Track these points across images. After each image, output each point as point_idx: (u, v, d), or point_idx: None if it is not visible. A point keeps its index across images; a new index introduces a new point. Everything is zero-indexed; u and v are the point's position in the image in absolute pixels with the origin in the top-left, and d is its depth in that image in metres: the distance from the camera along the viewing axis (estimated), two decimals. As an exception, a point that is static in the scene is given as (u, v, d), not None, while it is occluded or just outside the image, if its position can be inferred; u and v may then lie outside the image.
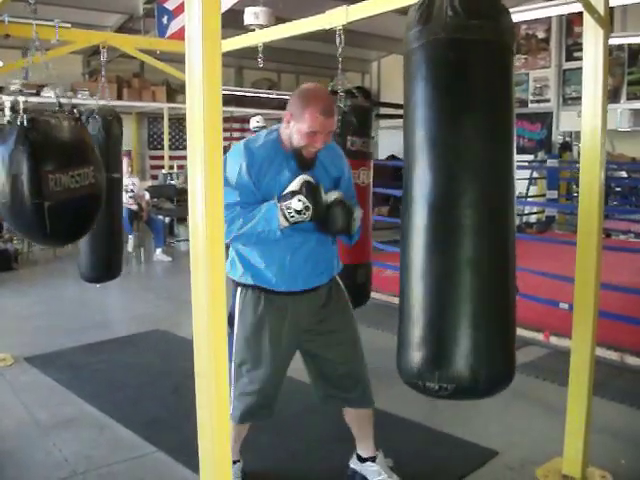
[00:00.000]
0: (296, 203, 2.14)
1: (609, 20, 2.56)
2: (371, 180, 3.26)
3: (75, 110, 3.18)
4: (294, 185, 2.19)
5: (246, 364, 2.38)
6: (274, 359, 2.39)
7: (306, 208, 2.15)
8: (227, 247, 2.28)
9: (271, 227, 2.18)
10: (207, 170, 1.33)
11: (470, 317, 1.78)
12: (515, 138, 1.89)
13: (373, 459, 2.70)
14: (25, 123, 2.84)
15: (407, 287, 1.87)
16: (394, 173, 11.60)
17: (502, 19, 1.81)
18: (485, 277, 1.79)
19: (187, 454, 2.89)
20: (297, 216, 2.16)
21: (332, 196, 2.27)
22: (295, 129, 2.22)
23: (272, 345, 2.36)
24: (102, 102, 3.91)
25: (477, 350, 1.80)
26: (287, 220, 2.16)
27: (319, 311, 2.44)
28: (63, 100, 3.26)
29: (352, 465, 2.77)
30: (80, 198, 3.03)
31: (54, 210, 2.89)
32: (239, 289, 2.39)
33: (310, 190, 2.17)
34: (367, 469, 2.70)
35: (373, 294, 5.78)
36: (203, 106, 1.31)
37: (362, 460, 2.72)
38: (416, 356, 1.85)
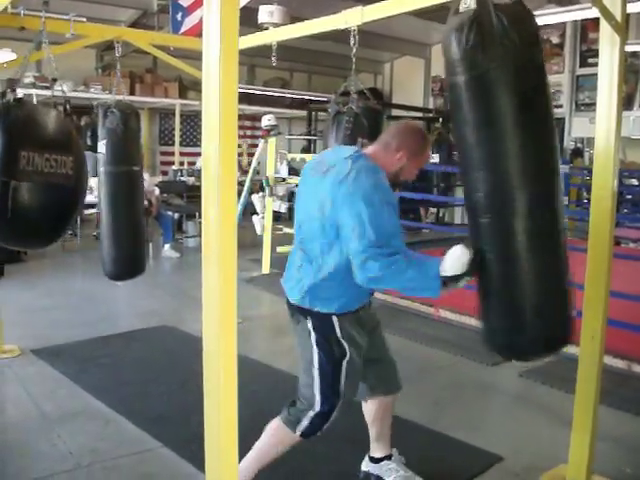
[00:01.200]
0: (463, 284, 2.14)
1: (626, 27, 2.55)
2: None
3: (68, 106, 3.14)
4: (464, 266, 2.10)
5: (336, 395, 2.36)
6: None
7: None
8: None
9: (428, 293, 2.15)
10: (222, 167, 1.33)
11: None
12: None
13: (389, 457, 2.71)
14: (11, 101, 2.81)
15: None
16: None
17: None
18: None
19: (192, 450, 2.91)
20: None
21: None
22: (411, 165, 2.35)
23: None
24: (118, 97, 3.92)
25: None
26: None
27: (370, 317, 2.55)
28: (74, 94, 3.27)
29: (365, 468, 2.77)
30: (52, 186, 2.86)
31: (21, 192, 2.73)
32: (335, 319, 2.34)
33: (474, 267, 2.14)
34: (383, 468, 2.71)
35: (380, 296, 5.81)
36: (219, 103, 1.31)
37: (377, 460, 2.73)
38: None
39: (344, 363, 2.32)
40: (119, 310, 6.09)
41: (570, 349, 4.30)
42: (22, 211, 2.77)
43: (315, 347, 2.32)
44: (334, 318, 2.32)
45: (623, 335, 4.25)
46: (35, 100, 7.86)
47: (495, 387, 4.10)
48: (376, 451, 2.73)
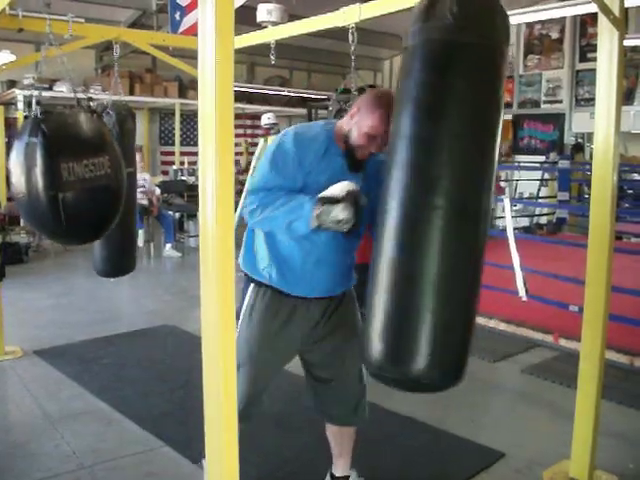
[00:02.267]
0: (340, 212, 1.98)
1: (624, 21, 2.55)
2: None
3: (91, 103, 3.18)
4: (338, 190, 2.00)
5: (243, 365, 2.24)
6: (267, 362, 2.33)
7: (347, 221, 1.99)
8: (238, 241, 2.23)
9: (301, 223, 2.03)
10: (218, 166, 1.33)
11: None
12: (498, 142, 1.84)
13: (346, 478, 2.62)
14: (39, 115, 2.86)
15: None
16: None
17: (497, 22, 1.79)
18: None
19: (194, 449, 2.91)
20: (333, 225, 2.01)
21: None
22: (357, 125, 2.13)
23: (272, 348, 2.31)
24: (115, 97, 3.92)
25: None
26: (320, 223, 2.02)
27: (325, 321, 2.34)
28: (78, 95, 3.28)
29: None
30: (96, 189, 2.98)
31: (69, 202, 2.85)
32: (253, 286, 2.31)
33: (355, 201, 2.00)
34: None
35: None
36: (215, 102, 1.31)
37: (335, 479, 2.64)
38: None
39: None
40: (121, 310, 6.09)
41: (573, 345, 4.34)
42: (74, 218, 2.91)
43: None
44: (251, 285, 2.31)
45: (626, 330, 4.25)
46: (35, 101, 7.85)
47: (497, 384, 4.10)
48: (337, 469, 2.63)
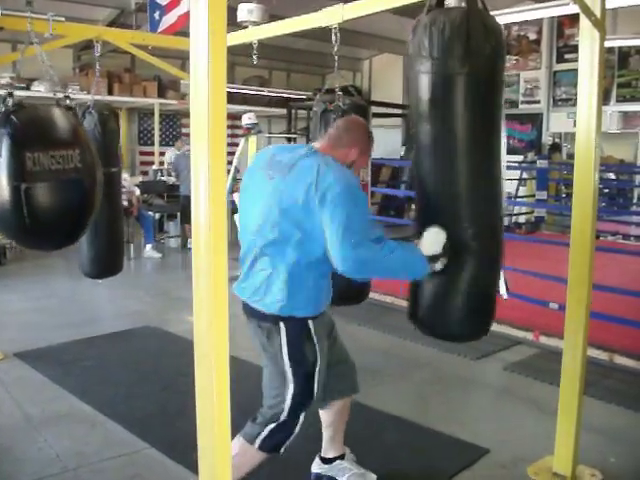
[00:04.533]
0: (440, 266, 2.18)
1: (605, 23, 2.58)
2: (369, 178, 3.30)
3: (68, 100, 3.13)
4: (440, 246, 2.17)
5: (311, 398, 2.31)
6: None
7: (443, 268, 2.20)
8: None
9: (412, 275, 2.26)
10: (211, 167, 1.33)
11: None
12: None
13: (342, 456, 2.69)
14: (10, 107, 2.80)
15: None
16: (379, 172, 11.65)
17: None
18: None
19: (179, 450, 2.90)
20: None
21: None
22: (360, 160, 2.40)
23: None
24: (96, 97, 3.89)
25: None
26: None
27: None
28: (56, 93, 3.24)
29: (316, 470, 2.73)
30: (64, 183, 2.83)
31: (33, 194, 2.71)
32: (311, 323, 2.28)
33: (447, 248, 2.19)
34: (336, 468, 2.68)
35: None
36: (208, 103, 1.31)
37: (329, 461, 2.69)
38: None
39: (317, 369, 2.28)
40: (102, 311, 6.04)
41: (554, 342, 4.39)
42: (39, 213, 2.75)
43: (287, 355, 2.24)
44: (310, 322, 2.26)
45: (605, 327, 4.31)
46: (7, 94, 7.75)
47: (480, 381, 4.13)
48: (329, 452, 2.69)
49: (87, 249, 3.91)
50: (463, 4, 2.10)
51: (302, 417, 2.30)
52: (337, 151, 2.30)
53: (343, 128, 2.37)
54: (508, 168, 10.29)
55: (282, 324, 2.22)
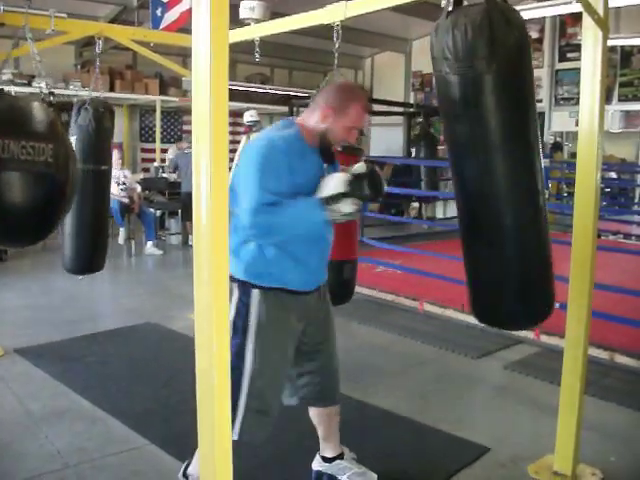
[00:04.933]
0: (347, 207, 2.10)
1: (608, 21, 2.58)
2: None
3: (52, 97, 3.08)
4: (339, 185, 2.10)
5: (262, 378, 2.24)
6: (284, 370, 2.34)
7: (357, 210, 2.12)
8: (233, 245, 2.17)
9: (316, 226, 2.16)
10: (213, 164, 1.33)
11: None
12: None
13: (341, 456, 2.67)
14: None
15: None
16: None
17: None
18: None
19: (179, 446, 2.91)
20: (343, 217, 2.14)
21: (361, 169, 2.20)
22: (338, 124, 2.20)
23: (286, 355, 2.31)
24: (97, 94, 3.89)
25: None
26: (332, 219, 2.16)
27: (317, 308, 2.42)
28: (58, 91, 3.23)
29: (317, 467, 2.72)
30: (32, 175, 2.73)
31: None
32: (256, 292, 2.24)
33: (358, 187, 2.11)
34: (336, 467, 2.67)
35: (366, 291, 5.83)
36: (210, 100, 1.31)
37: (329, 460, 2.68)
38: None
39: (248, 345, 2.20)
40: (102, 308, 6.05)
41: (555, 340, 4.39)
42: (2, 203, 2.65)
43: (232, 323, 2.20)
44: (254, 291, 2.21)
45: (606, 326, 4.31)
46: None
47: (481, 379, 4.13)
48: (327, 451, 2.68)
49: (69, 244, 3.89)
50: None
51: (254, 405, 2.21)
52: (311, 117, 2.25)
53: (320, 92, 2.31)
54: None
55: (233, 285, 2.21)
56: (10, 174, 2.66)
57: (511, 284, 2.27)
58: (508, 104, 2.09)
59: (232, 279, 2.16)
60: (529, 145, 2.15)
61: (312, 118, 2.26)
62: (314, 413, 2.61)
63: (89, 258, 4.02)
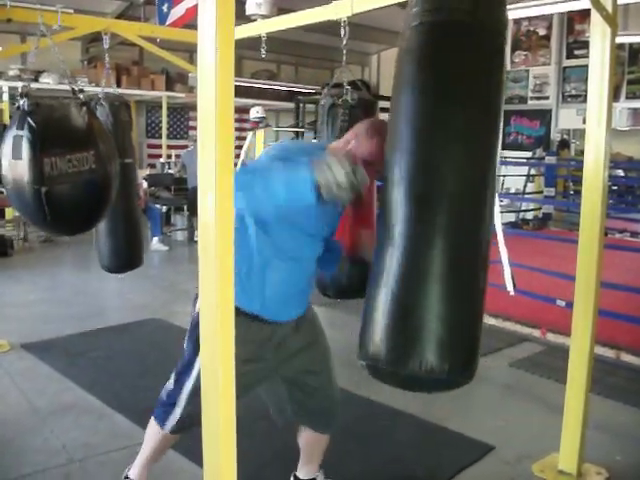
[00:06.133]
0: (341, 175, 1.76)
1: (616, 18, 2.56)
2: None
3: (81, 96, 3.14)
4: (334, 173, 1.77)
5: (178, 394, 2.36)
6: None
7: (351, 186, 1.77)
8: None
9: (305, 195, 1.79)
10: (219, 161, 1.33)
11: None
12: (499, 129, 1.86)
13: None
14: (26, 108, 2.83)
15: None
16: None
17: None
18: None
19: (184, 443, 2.90)
20: (335, 191, 1.77)
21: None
22: (355, 151, 2.08)
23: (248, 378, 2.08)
24: (107, 89, 3.88)
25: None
26: (321, 188, 1.78)
27: (292, 340, 2.27)
28: (65, 86, 3.25)
29: None
30: (80, 184, 2.96)
31: (52, 196, 2.86)
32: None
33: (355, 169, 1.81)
34: None
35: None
36: (216, 96, 1.30)
37: None
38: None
39: (194, 369, 2.20)
40: (109, 303, 6.06)
41: (560, 339, 4.38)
42: (58, 211, 2.91)
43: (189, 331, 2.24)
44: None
45: (612, 324, 4.30)
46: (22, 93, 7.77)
47: (486, 377, 4.12)
48: (304, 472, 2.60)
49: (106, 243, 3.83)
50: None
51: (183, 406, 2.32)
52: (339, 144, 2.20)
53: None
54: (516, 164, 10.30)
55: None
56: (61, 187, 2.90)
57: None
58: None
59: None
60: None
61: (341, 143, 2.19)
62: (304, 435, 2.51)
63: (126, 253, 3.93)
